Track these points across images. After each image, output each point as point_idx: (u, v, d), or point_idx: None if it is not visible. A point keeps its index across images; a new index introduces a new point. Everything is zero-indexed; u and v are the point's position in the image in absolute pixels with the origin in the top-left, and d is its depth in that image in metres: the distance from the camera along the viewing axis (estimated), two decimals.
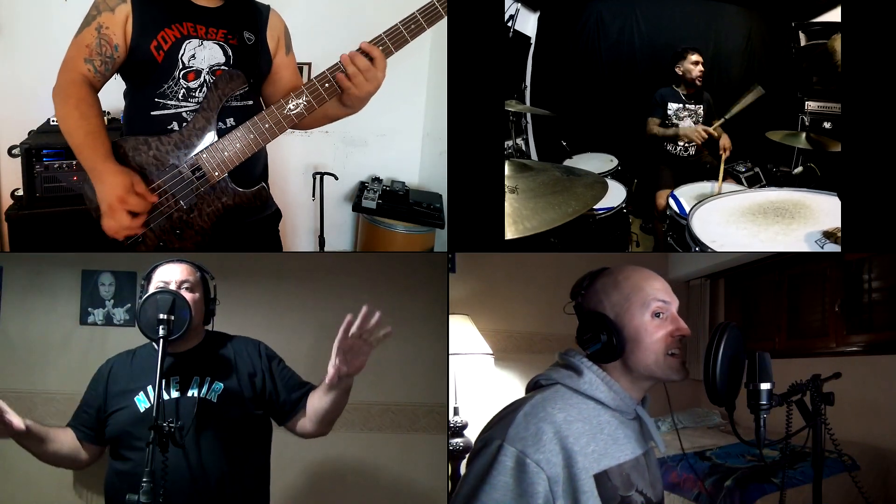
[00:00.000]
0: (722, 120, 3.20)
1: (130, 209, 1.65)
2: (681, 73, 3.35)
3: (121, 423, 1.58)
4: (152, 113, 1.76)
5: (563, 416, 1.09)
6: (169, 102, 1.76)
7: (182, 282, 1.61)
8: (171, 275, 1.62)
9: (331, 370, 1.50)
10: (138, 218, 1.68)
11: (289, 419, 1.69)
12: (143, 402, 1.59)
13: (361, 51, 1.75)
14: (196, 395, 1.58)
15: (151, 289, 1.61)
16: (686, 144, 3.37)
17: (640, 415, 1.19)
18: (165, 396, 1.56)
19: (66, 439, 1.61)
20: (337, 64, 1.76)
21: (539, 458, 1.04)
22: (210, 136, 1.76)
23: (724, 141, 3.18)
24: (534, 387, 1.22)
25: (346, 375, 1.51)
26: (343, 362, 1.49)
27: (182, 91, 1.76)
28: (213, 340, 1.69)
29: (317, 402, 1.63)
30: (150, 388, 1.58)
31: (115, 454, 1.61)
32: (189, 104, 1.77)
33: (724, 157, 3.08)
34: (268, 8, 1.95)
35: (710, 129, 3.23)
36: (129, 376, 1.63)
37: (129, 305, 2.60)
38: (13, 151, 2.63)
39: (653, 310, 1.16)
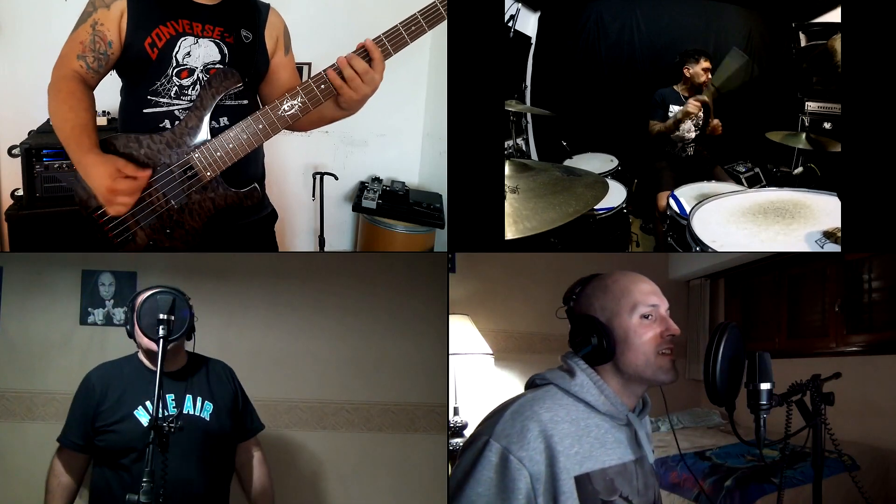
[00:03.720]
0: (713, 89, 3.24)
1: (123, 194, 1.65)
2: (689, 75, 3.37)
3: (124, 438, 1.63)
4: (144, 110, 1.75)
5: (549, 416, 1.11)
6: (161, 100, 1.75)
7: None
8: None
9: None
10: (136, 194, 1.69)
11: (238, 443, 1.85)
12: (143, 415, 1.64)
13: (362, 51, 1.73)
14: (192, 412, 1.67)
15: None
16: (685, 144, 3.39)
17: (631, 421, 1.19)
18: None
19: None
20: (335, 65, 1.74)
21: (522, 455, 1.06)
22: (203, 136, 1.74)
23: (714, 121, 3.31)
24: (529, 386, 1.25)
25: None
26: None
27: (175, 89, 1.75)
28: (196, 362, 1.77)
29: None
30: (148, 402, 1.63)
31: (110, 463, 1.64)
32: (182, 102, 1.75)
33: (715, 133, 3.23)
34: (267, 6, 1.94)
35: (704, 98, 3.27)
36: (122, 388, 1.68)
37: None
38: (13, 151, 2.63)
39: (642, 312, 1.17)
